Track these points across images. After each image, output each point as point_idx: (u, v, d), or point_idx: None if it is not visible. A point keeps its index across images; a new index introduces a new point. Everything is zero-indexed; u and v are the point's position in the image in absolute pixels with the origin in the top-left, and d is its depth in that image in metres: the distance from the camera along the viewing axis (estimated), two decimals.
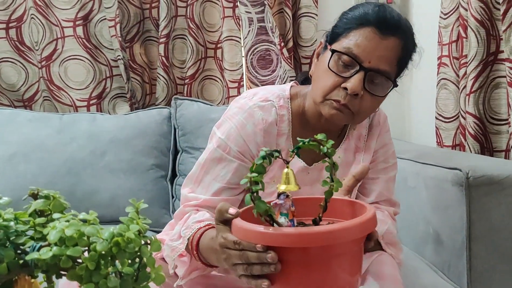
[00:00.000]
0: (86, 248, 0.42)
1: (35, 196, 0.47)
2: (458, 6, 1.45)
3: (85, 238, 0.41)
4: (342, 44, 0.86)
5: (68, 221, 0.42)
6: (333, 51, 0.87)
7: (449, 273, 1.14)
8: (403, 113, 1.95)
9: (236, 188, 0.92)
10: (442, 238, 1.17)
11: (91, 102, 1.80)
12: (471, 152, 1.40)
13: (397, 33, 0.86)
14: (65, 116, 1.65)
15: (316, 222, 0.71)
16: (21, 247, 0.44)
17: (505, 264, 1.06)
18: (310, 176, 0.95)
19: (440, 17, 1.54)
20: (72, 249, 0.40)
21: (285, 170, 0.68)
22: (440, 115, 1.57)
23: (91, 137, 1.58)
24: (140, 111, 1.72)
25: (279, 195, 0.66)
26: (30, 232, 0.45)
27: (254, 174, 0.63)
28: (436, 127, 1.59)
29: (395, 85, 0.90)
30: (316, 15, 1.84)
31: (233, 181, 0.90)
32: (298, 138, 0.68)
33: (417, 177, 1.30)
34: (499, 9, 1.34)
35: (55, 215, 0.44)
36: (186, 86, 1.86)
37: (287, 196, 0.67)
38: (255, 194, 0.63)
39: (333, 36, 0.90)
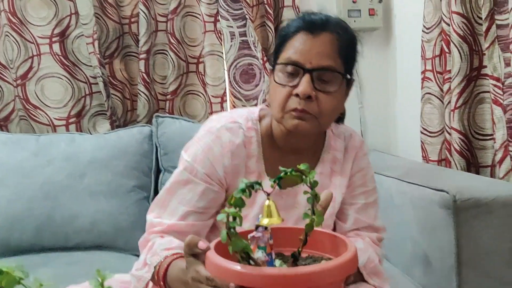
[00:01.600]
0: None
1: None
2: (441, 20, 1.44)
3: None
4: (282, 57, 0.88)
5: None
6: (274, 66, 0.89)
7: None
8: (388, 126, 1.94)
9: (204, 212, 0.90)
10: (430, 259, 1.15)
11: (70, 120, 1.75)
12: (457, 168, 1.39)
13: (327, 28, 0.86)
14: (42, 137, 1.59)
15: (295, 256, 0.69)
16: None
17: None
18: (285, 201, 0.92)
19: (423, 31, 1.52)
20: None
21: (267, 202, 0.65)
22: (425, 129, 1.56)
23: (69, 159, 1.52)
24: (120, 130, 1.66)
25: (257, 227, 0.64)
26: None
27: (232, 210, 0.60)
28: (421, 141, 1.58)
29: (346, 78, 0.89)
30: None
31: (200, 204, 0.89)
32: (281, 168, 0.66)
33: (403, 196, 1.28)
34: (481, 24, 1.33)
35: None
36: (168, 102, 1.82)
37: (266, 228, 0.64)
38: (231, 230, 0.60)
39: (275, 56, 0.92)
